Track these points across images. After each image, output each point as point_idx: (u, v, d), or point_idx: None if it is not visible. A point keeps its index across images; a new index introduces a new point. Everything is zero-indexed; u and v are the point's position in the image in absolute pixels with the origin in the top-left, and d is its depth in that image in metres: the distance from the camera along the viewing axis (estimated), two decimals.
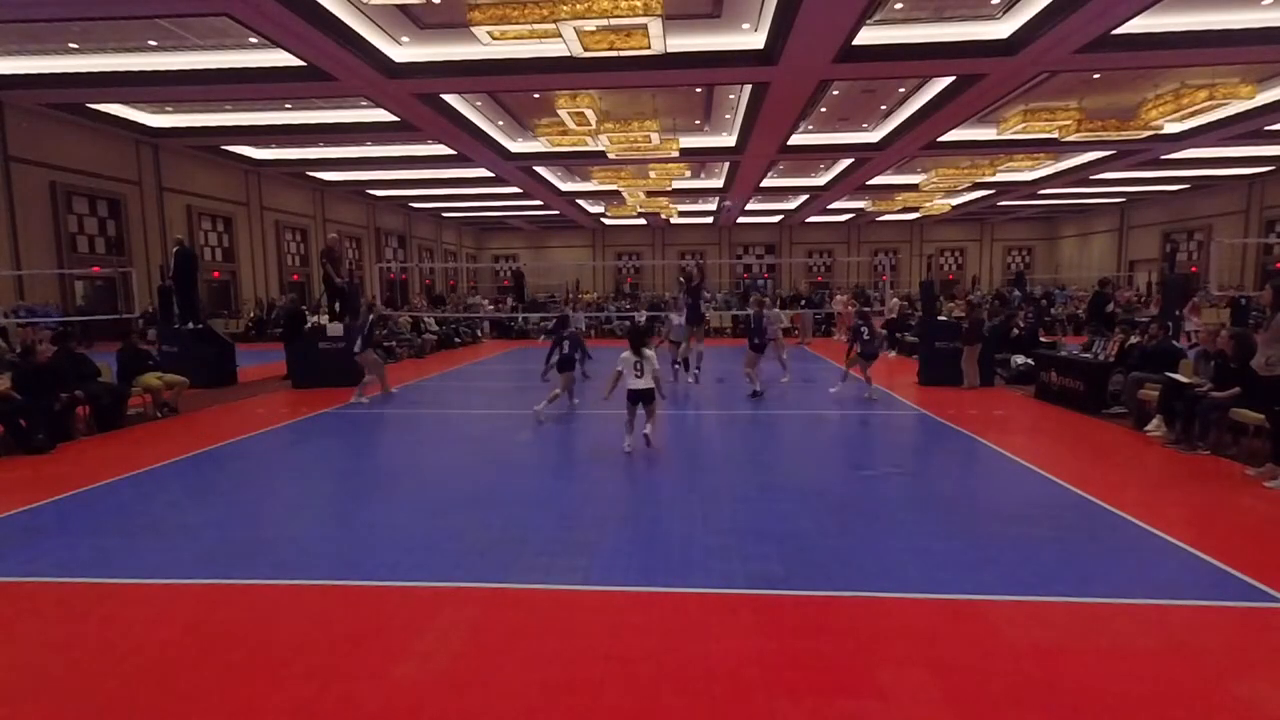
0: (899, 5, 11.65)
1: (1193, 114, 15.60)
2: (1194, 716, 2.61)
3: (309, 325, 12.32)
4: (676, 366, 11.72)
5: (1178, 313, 10.21)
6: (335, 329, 11.58)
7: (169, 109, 17.36)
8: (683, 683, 2.81)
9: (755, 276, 40.36)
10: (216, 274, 22.88)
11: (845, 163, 23.32)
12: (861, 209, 33.91)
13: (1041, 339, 12.53)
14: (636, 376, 6.61)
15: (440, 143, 19.71)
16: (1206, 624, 3.29)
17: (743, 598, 3.56)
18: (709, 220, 38.62)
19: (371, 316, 10.28)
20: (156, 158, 20.07)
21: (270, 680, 2.86)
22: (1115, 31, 11.92)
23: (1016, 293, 24.16)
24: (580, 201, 31.21)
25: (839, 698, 2.71)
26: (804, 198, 31.02)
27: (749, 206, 33.30)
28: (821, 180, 27.02)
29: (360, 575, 3.91)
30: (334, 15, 11.46)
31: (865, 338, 9.90)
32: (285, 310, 13.73)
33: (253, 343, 20.10)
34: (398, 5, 11.26)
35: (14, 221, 16.05)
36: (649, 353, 6.70)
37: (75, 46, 13.18)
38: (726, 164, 23.63)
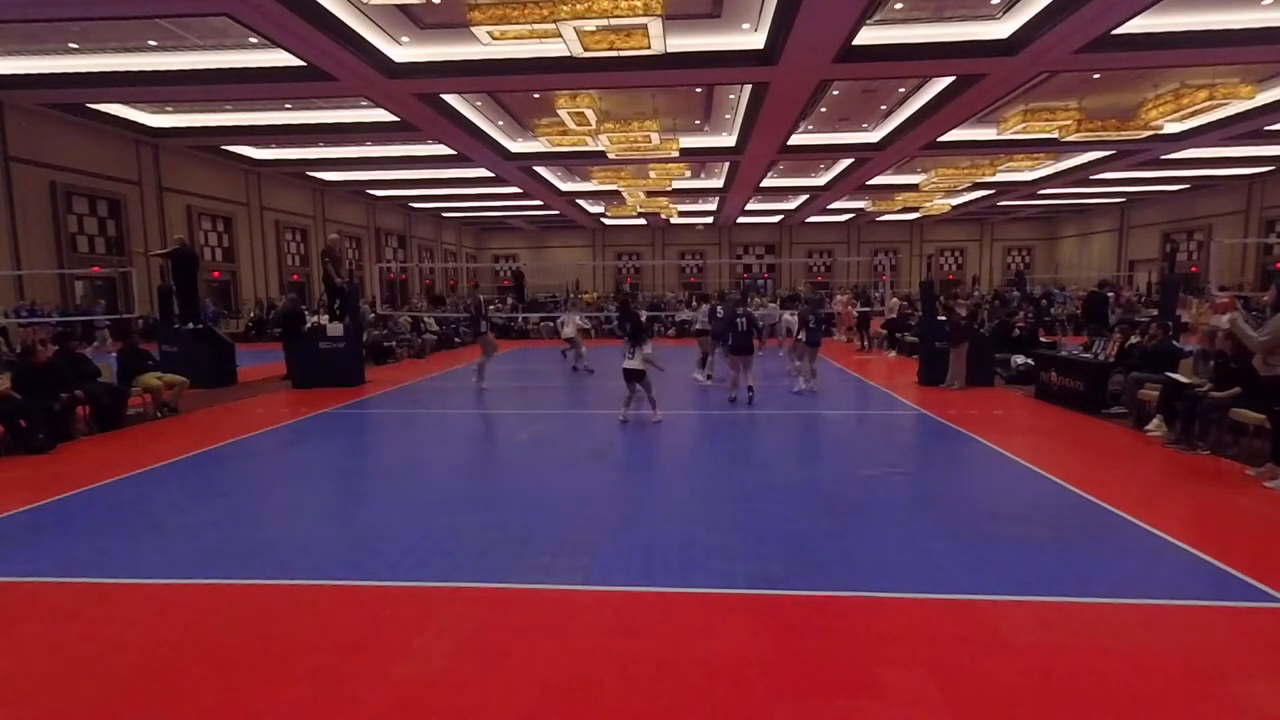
0: (899, 5, 11.65)
1: (1193, 114, 15.60)
2: (1194, 716, 2.61)
3: (309, 325, 12.32)
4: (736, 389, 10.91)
5: (1175, 312, 10.19)
6: (335, 329, 11.57)
7: (169, 109, 17.36)
8: (683, 683, 2.81)
9: (755, 276, 40.35)
10: (216, 274, 22.88)
11: (845, 163, 23.32)
12: (861, 209, 33.91)
13: (1041, 339, 12.53)
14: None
15: (440, 143, 19.71)
16: (1206, 624, 3.29)
17: (743, 598, 3.56)
18: (709, 220, 38.61)
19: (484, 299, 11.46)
20: (156, 158, 20.07)
21: (270, 680, 2.86)
22: (1115, 31, 11.92)
23: (1016, 293, 24.18)
24: (580, 201, 31.21)
25: (838, 697, 2.71)
26: (804, 198, 31.02)
27: (749, 206, 33.28)
28: (821, 180, 27.01)
29: (360, 575, 3.91)
30: (334, 15, 11.47)
31: (811, 326, 10.00)
32: (284, 310, 13.71)
33: (253, 343, 20.10)
34: (398, 5, 11.26)
35: (14, 221, 16.05)
36: (647, 347, 8.07)
37: (75, 46, 13.17)
38: (726, 164, 23.63)
